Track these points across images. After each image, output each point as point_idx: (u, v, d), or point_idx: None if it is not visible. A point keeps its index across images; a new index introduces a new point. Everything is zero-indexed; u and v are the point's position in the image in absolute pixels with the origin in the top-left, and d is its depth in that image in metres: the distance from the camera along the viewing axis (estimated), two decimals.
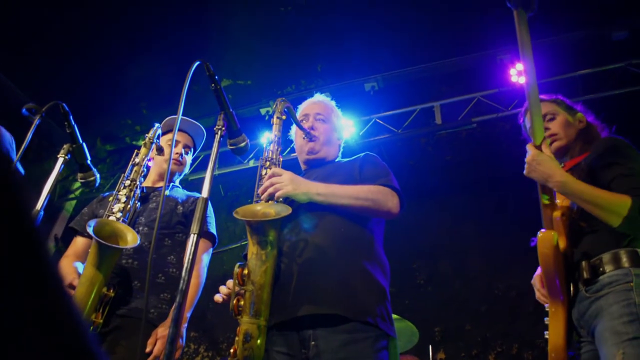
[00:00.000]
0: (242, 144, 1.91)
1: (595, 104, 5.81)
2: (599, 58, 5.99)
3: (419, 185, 6.27)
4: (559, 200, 2.15)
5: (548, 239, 1.96)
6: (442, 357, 5.60)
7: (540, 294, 2.23)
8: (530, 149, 2.04)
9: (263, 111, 7.05)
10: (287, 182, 1.97)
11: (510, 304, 5.64)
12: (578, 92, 5.94)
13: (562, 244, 2.03)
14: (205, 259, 2.63)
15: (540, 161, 1.99)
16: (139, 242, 2.22)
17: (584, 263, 1.96)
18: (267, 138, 6.71)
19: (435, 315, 5.78)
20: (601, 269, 1.91)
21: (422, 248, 6.22)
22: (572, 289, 2.03)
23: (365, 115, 6.61)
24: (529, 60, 1.99)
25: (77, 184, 7.41)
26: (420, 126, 6.51)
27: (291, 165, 2.41)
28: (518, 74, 6.05)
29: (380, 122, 6.61)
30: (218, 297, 2.01)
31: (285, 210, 1.88)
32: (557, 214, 2.05)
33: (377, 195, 2.02)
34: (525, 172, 2.05)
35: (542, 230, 2.02)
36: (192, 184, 6.59)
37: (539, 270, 2.27)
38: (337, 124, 2.51)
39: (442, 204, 6.42)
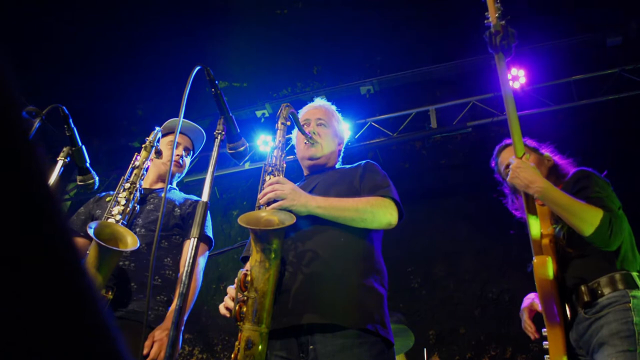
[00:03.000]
0: (242, 148, 1.92)
1: (589, 109, 5.87)
2: (594, 64, 6.04)
3: (413, 189, 6.30)
4: (543, 230, 2.25)
5: (544, 264, 2.07)
6: None
7: (526, 324, 2.40)
8: (514, 159, 2.23)
9: (259, 113, 7.06)
10: (287, 194, 1.98)
11: (504, 307, 5.67)
12: (572, 97, 5.98)
13: (553, 269, 2.13)
14: (202, 262, 2.64)
15: (524, 168, 2.15)
16: (138, 245, 2.21)
17: (582, 287, 2.06)
18: (263, 140, 6.72)
19: (429, 319, 5.80)
20: (599, 292, 2.02)
21: (416, 252, 6.23)
22: (568, 312, 2.13)
23: (361, 118, 6.63)
24: (508, 90, 2.30)
25: (72, 185, 7.38)
26: (415, 130, 6.54)
27: (291, 168, 2.42)
28: (513, 78, 6.09)
29: (376, 125, 6.63)
30: (224, 311, 2.00)
31: (290, 219, 1.88)
32: (545, 241, 2.18)
33: (376, 207, 2.04)
34: (508, 178, 2.21)
35: (537, 256, 2.11)
36: (187, 186, 6.58)
37: (525, 303, 2.45)
38: (338, 129, 2.52)
39: (436, 207, 6.44)
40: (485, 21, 2.32)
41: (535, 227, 2.17)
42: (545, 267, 2.06)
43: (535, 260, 2.09)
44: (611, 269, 2.04)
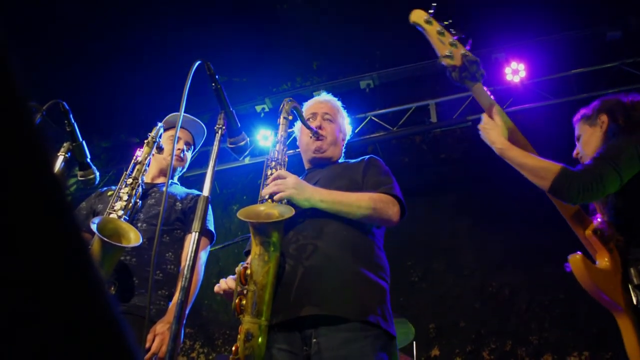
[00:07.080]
0: (242, 143, 1.93)
1: (589, 102, 5.86)
2: (594, 57, 6.04)
3: (413, 183, 6.30)
4: (600, 217, 2.21)
5: (576, 261, 2.05)
6: (437, 354, 5.64)
7: None
8: (483, 116, 2.21)
9: (258, 108, 7.05)
10: (290, 186, 1.98)
11: (504, 300, 5.68)
12: (572, 91, 5.98)
13: (605, 259, 2.09)
14: (203, 256, 2.64)
15: (488, 129, 2.16)
16: (141, 241, 2.22)
17: (632, 270, 2.00)
18: (262, 135, 6.72)
19: (429, 312, 5.82)
20: None
21: (416, 245, 6.25)
22: (633, 297, 2.05)
23: (361, 113, 6.63)
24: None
25: (72, 181, 7.38)
26: (415, 124, 6.54)
27: (292, 163, 2.42)
28: (513, 72, 6.09)
29: (376, 119, 6.63)
30: (218, 289, 2.04)
31: (289, 212, 1.88)
32: (588, 232, 2.15)
33: (379, 204, 2.03)
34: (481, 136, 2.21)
35: (571, 255, 2.09)
36: (188, 181, 6.59)
37: None
38: (343, 124, 2.52)
39: (436, 201, 6.45)
40: (438, 60, 2.21)
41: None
42: (579, 264, 2.03)
43: (570, 258, 2.07)
44: None
